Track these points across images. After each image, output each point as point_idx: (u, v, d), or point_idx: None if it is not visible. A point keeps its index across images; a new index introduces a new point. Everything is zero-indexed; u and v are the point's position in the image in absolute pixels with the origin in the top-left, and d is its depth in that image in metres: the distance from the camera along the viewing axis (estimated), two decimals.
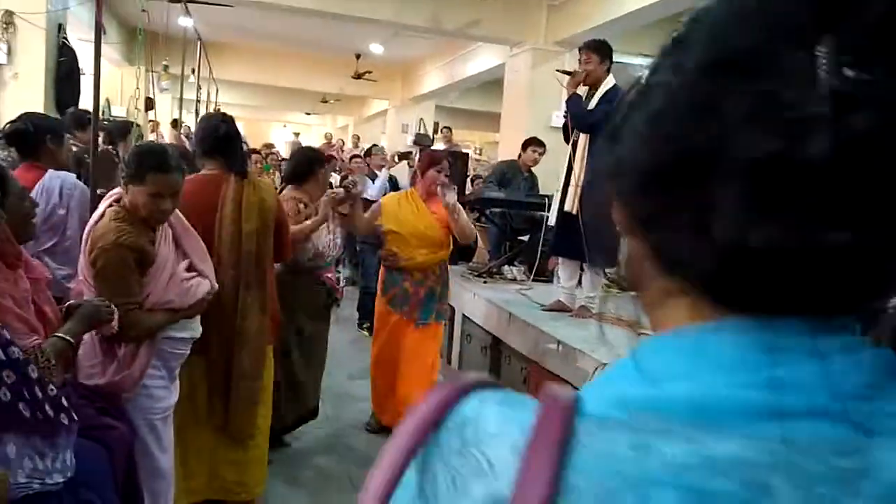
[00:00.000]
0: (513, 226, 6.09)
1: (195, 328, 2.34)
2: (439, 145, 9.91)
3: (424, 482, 0.38)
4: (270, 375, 2.72)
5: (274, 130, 23.95)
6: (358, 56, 12.38)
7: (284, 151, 16.21)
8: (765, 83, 0.33)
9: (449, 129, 10.95)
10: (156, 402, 2.25)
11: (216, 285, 2.35)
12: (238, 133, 2.68)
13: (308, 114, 19.89)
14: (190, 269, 2.29)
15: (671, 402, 0.35)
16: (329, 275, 3.58)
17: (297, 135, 20.72)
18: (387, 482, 0.38)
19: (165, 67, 7.92)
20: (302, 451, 3.59)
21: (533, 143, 6.26)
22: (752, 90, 0.33)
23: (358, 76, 12.31)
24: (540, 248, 5.43)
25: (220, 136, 2.59)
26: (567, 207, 4.37)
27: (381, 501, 0.38)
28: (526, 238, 6.06)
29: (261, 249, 2.56)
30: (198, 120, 3.14)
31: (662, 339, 0.39)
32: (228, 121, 2.69)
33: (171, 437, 2.33)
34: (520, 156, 6.33)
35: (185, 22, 6.79)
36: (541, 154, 6.24)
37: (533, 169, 6.36)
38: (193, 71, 7.15)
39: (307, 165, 3.44)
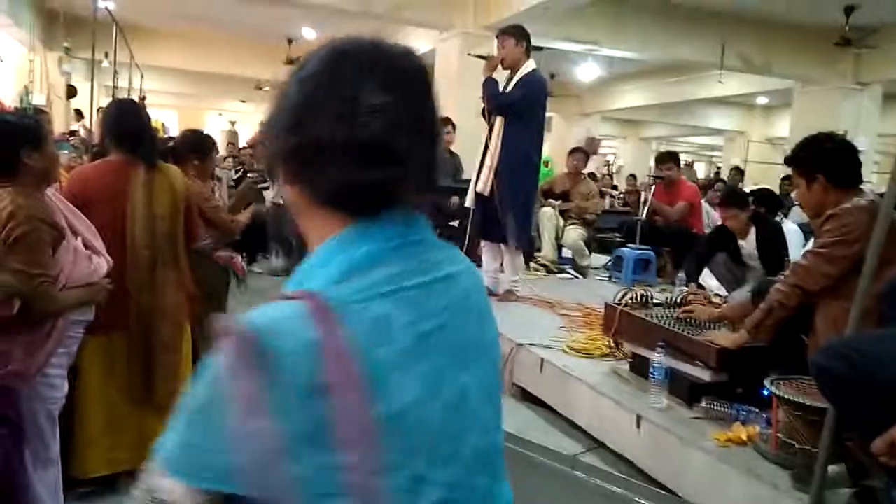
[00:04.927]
0: (443, 211, 6.07)
1: (90, 310, 2.33)
2: None
3: None
4: (189, 349, 2.80)
5: (209, 119, 23.32)
6: (290, 41, 12.15)
7: (221, 140, 15.83)
8: (345, 102, 0.68)
9: None
10: (55, 391, 2.20)
11: (111, 260, 2.35)
12: (147, 123, 2.72)
13: (244, 101, 19.43)
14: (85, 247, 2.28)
15: (362, 259, 0.69)
16: (221, 253, 3.58)
17: (233, 123, 20.20)
18: None
19: (67, 50, 7.54)
20: None
21: (442, 123, 6.24)
22: (339, 106, 0.68)
23: (290, 62, 12.07)
24: (468, 233, 5.43)
25: (129, 129, 2.63)
26: (479, 189, 4.38)
27: None
28: (456, 223, 6.06)
29: (173, 230, 2.66)
30: (104, 106, 3.07)
31: (345, 233, 0.71)
32: (136, 112, 2.71)
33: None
34: None
35: (105, 3, 6.50)
36: (450, 133, 6.20)
37: (456, 151, 6.35)
38: (107, 55, 6.86)
39: (181, 150, 3.54)
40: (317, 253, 0.71)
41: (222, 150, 12.14)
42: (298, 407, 0.60)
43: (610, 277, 5.87)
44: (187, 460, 0.62)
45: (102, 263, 2.29)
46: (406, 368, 0.65)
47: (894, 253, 2.08)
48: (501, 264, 4.67)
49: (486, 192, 4.34)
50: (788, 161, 2.54)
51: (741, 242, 4.55)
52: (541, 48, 8.97)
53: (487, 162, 4.34)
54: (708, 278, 5.25)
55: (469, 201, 4.57)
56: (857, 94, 9.80)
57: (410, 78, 0.73)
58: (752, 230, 4.47)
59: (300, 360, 0.60)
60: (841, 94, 9.73)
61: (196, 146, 3.55)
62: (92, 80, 5.02)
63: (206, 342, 3.32)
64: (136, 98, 9.32)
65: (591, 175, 9.18)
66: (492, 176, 4.32)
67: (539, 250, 6.07)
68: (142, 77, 10.16)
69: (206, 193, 3.46)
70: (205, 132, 3.95)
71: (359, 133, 0.66)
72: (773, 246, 4.40)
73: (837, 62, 9.53)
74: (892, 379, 1.59)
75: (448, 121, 6.28)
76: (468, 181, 4.88)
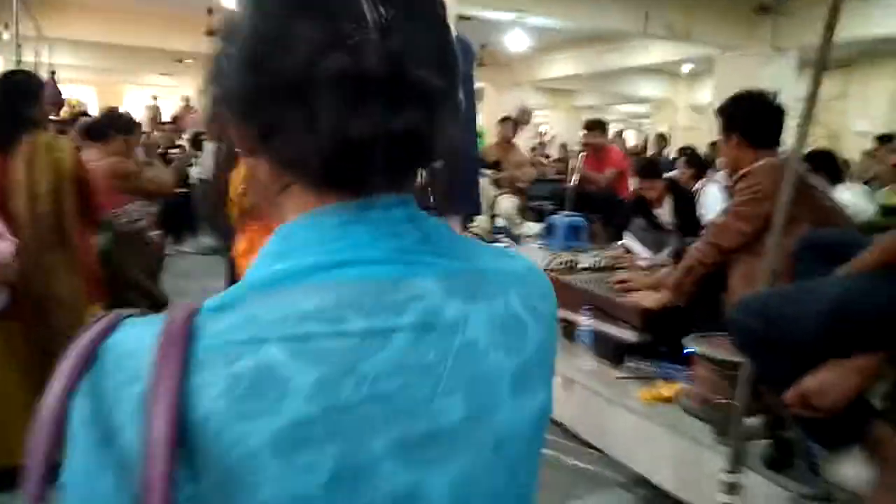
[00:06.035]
0: None
1: (2, 298, 2.25)
2: None
3: (92, 407, 0.43)
4: None
5: (130, 94, 22.36)
6: (210, 11, 11.67)
7: (142, 116, 15.19)
8: (329, 20, 0.45)
9: None
10: None
11: (14, 240, 2.25)
12: (24, 97, 2.51)
13: (164, 75, 18.69)
14: None
15: (277, 277, 0.47)
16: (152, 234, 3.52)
17: (154, 98, 19.40)
18: (50, 420, 0.44)
19: None
20: None
21: None
22: (321, 25, 0.45)
23: (211, 33, 11.62)
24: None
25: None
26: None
27: (48, 434, 0.44)
28: None
29: (59, 209, 2.48)
30: None
31: (284, 228, 0.50)
32: (10, 88, 2.53)
33: None
34: None
35: None
36: None
37: None
38: (7, 26, 6.44)
39: (102, 127, 3.43)
40: (279, 231, 0.50)
41: (145, 126, 11.68)
42: (101, 462, 0.43)
43: (543, 245, 5.93)
44: None
45: (6, 244, 2.19)
46: (298, 450, 0.42)
47: (803, 210, 2.14)
48: None
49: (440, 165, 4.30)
50: (718, 112, 2.57)
51: (656, 211, 4.74)
52: (468, 17, 8.90)
53: None
54: (631, 242, 5.40)
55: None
56: (775, 60, 10.09)
57: None
58: (668, 199, 4.65)
59: (120, 410, 0.43)
60: (759, 61, 10.01)
61: (123, 125, 3.56)
62: None
63: None
64: (44, 73, 8.82)
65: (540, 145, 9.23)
66: None
67: (473, 220, 6.08)
68: (49, 51, 9.60)
69: (128, 168, 3.38)
70: (123, 110, 3.90)
71: (358, 61, 0.44)
72: (688, 212, 4.59)
73: (756, 29, 9.79)
74: (804, 333, 1.63)
75: None
76: None
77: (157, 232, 3.73)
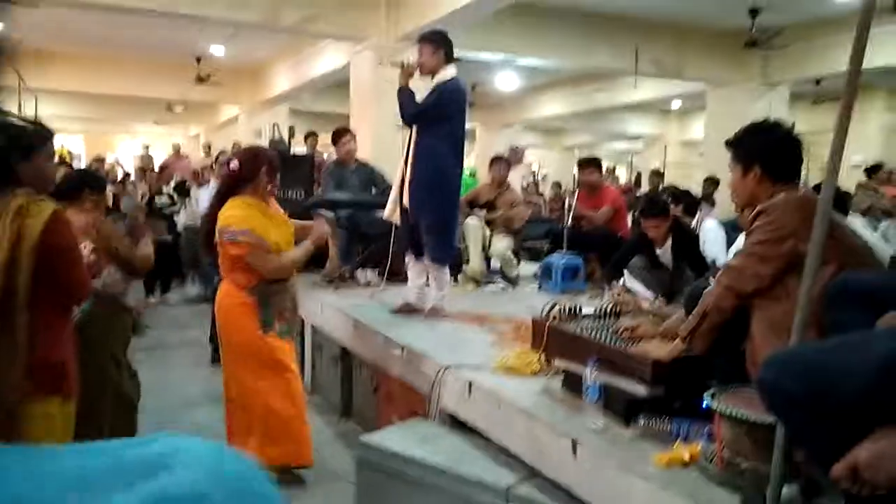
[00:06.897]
0: (360, 229, 5.80)
1: None
2: (299, 150, 9.43)
3: None
4: (66, 431, 2.28)
5: (122, 143, 22.34)
6: (198, 59, 11.65)
7: (133, 165, 15.08)
8: None
9: (315, 134, 9.94)
10: None
11: None
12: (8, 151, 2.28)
13: (156, 123, 18.69)
14: None
15: None
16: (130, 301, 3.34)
17: (146, 147, 19.40)
18: None
19: None
20: None
21: (340, 135, 5.96)
22: None
23: (200, 80, 11.59)
24: (391, 248, 5.19)
25: None
26: (405, 203, 4.17)
27: None
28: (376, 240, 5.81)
29: (9, 286, 2.03)
30: None
31: None
32: None
33: None
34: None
35: None
36: (349, 141, 5.93)
37: (374, 164, 6.15)
38: None
39: (75, 186, 3.21)
40: None
41: (135, 175, 11.54)
42: None
43: (540, 286, 5.73)
44: None
45: None
46: None
47: (829, 250, 1.94)
48: (428, 280, 4.44)
49: (410, 207, 4.15)
50: (730, 143, 2.36)
51: (658, 250, 4.62)
52: (459, 59, 8.85)
53: (408, 175, 4.14)
54: (633, 283, 5.20)
55: (389, 215, 4.35)
56: (766, 94, 10.08)
57: None
58: (670, 238, 4.56)
59: None
60: (751, 95, 9.99)
61: (92, 182, 3.36)
62: None
63: (93, 420, 2.89)
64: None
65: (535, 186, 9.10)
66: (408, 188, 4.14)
67: (466, 262, 5.89)
68: (36, 102, 9.52)
69: (111, 229, 3.20)
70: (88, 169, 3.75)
71: None
72: (689, 250, 4.52)
73: (746, 64, 9.79)
74: (849, 396, 1.42)
75: (344, 131, 6.02)
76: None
77: (136, 295, 3.55)
